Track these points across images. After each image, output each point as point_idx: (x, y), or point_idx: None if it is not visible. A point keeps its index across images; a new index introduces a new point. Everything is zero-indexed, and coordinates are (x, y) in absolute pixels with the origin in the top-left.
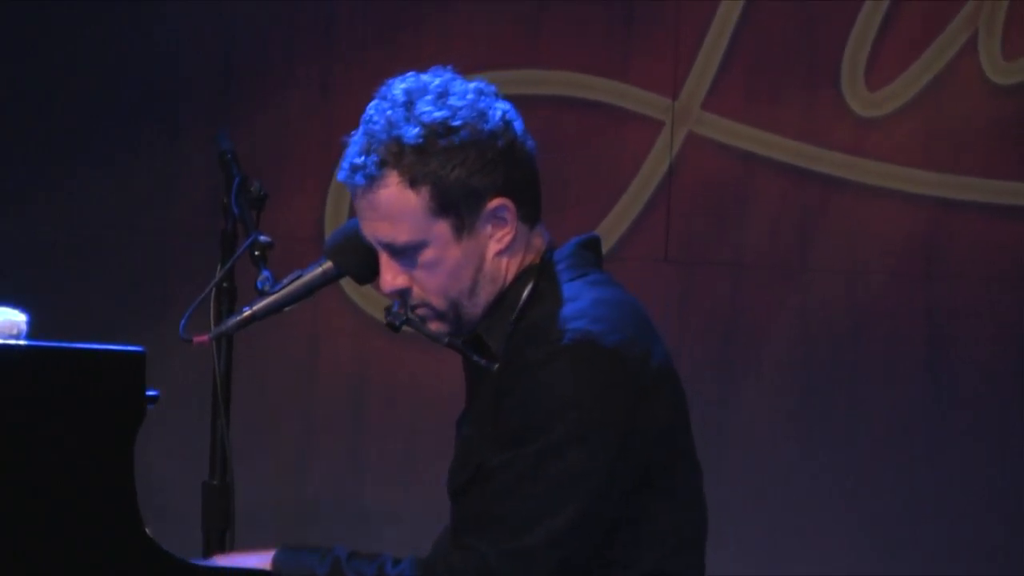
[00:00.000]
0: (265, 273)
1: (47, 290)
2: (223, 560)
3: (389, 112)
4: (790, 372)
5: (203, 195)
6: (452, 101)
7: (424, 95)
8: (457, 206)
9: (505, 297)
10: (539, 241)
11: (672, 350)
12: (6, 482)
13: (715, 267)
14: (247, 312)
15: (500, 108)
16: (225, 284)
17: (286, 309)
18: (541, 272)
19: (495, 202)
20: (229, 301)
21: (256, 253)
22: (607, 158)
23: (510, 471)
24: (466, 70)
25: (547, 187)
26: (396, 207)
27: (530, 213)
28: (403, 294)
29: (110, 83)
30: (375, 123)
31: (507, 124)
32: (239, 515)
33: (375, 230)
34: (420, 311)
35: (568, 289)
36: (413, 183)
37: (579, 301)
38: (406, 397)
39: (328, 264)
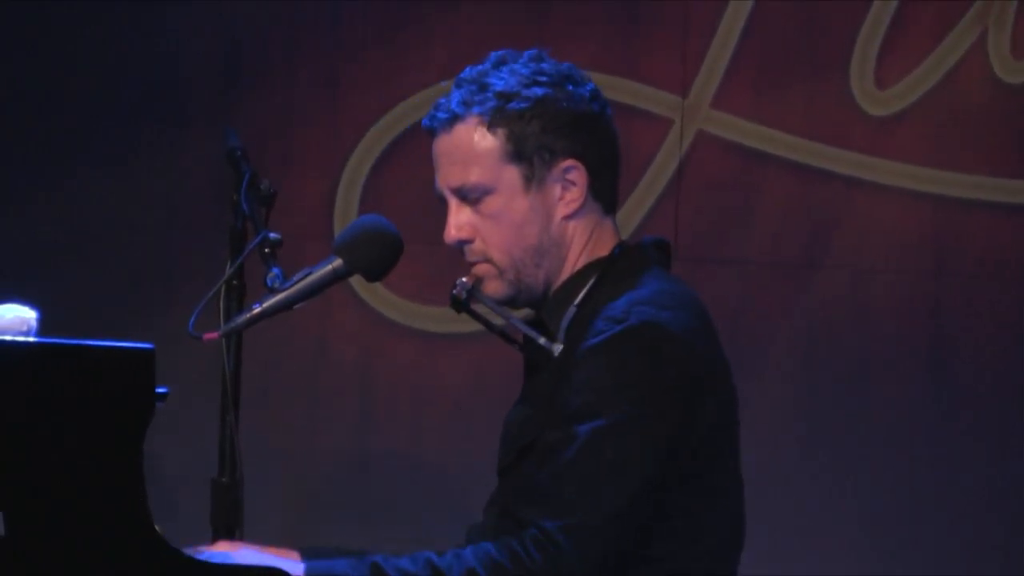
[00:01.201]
0: (274, 270)
1: (55, 288)
2: (237, 552)
3: (481, 67)
4: (796, 369)
5: (210, 192)
6: (544, 64)
7: (517, 59)
8: (530, 156)
9: (571, 284)
10: (611, 234)
11: None
12: (16, 478)
13: (723, 264)
14: (256, 309)
15: (591, 84)
16: (234, 281)
17: (295, 306)
18: (610, 263)
19: (567, 162)
20: (238, 298)
21: (265, 250)
22: None
23: (571, 448)
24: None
25: None
26: (470, 148)
27: (603, 192)
28: (464, 246)
29: (114, 81)
30: (466, 74)
31: (595, 97)
32: (248, 512)
33: (446, 175)
34: (480, 268)
35: (636, 279)
36: (491, 126)
37: (646, 289)
38: (414, 395)
39: (338, 262)
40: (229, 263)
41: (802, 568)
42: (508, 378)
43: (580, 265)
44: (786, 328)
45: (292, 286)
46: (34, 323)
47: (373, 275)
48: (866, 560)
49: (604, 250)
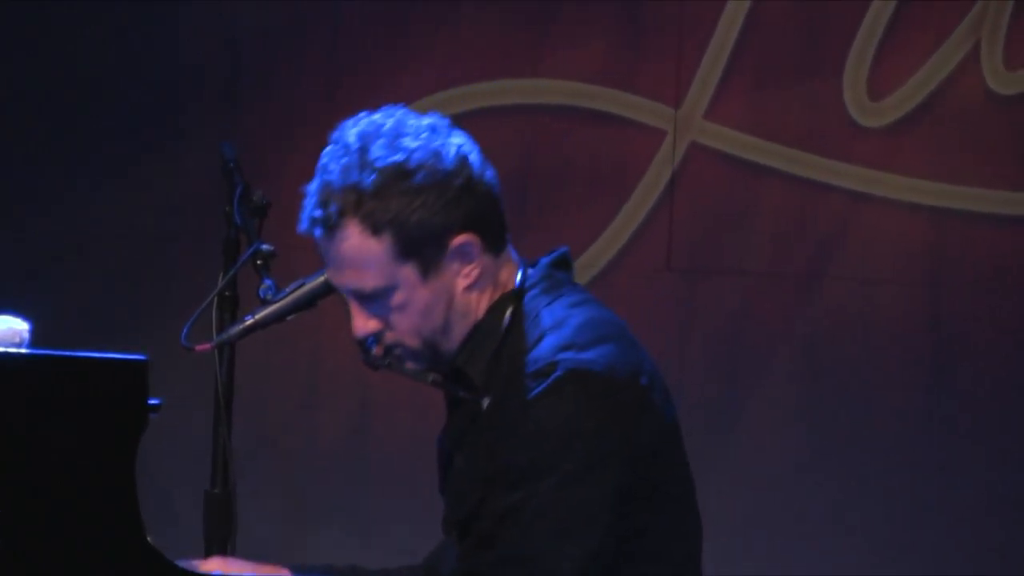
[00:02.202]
0: (267, 282)
1: (49, 298)
2: (229, 565)
3: (344, 159)
4: (793, 381)
5: (205, 202)
6: (406, 143)
7: (377, 138)
8: (421, 248)
9: (481, 328)
10: (510, 268)
11: (674, 359)
12: (9, 490)
13: (717, 276)
14: (249, 320)
15: (455, 144)
16: (227, 292)
17: (288, 318)
18: (518, 297)
19: (459, 239)
20: (231, 309)
21: (258, 262)
22: (609, 167)
23: (526, 510)
24: (470, 80)
25: (550, 195)
26: (360, 255)
27: (495, 244)
28: (377, 337)
29: (113, 87)
30: (331, 172)
31: (463, 160)
32: (241, 524)
33: (341, 279)
34: (395, 352)
35: (548, 315)
36: (375, 230)
37: (563, 328)
38: (408, 406)
39: None
40: (222, 274)
41: (803, 570)
42: None
43: (483, 310)
44: (783, 340)
45: (285, 297)
46: (26, 335)
47: None
48: (868, 566)
49: (508, 284)
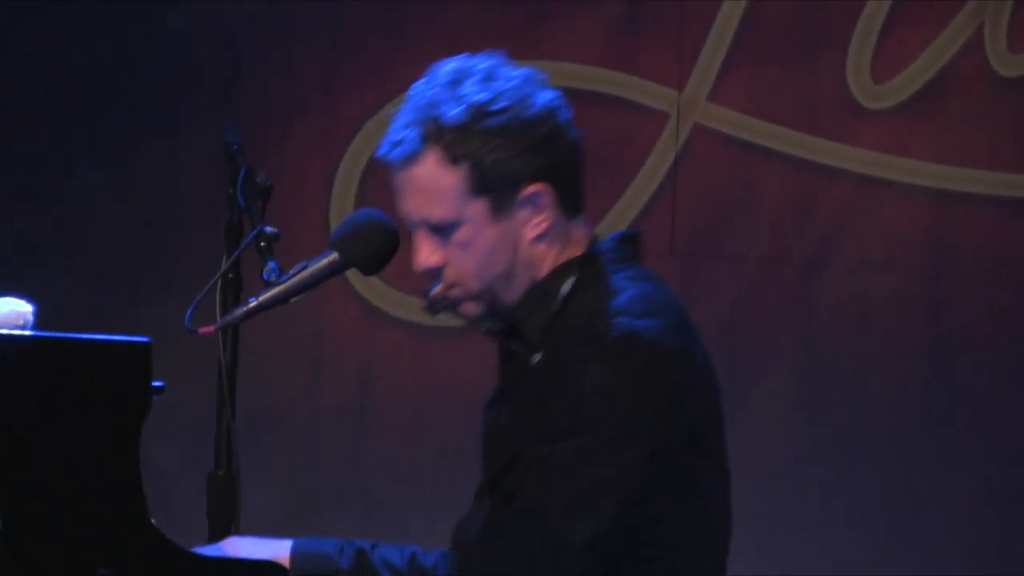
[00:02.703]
0: (271, 264)
1: (52, 282)
2: (232, 546)
3: (434, 90)
4: (794, 364)
5: (207, 186)
6: (497, 84)
7: (470, 76)
8: (494, 187)
9: (545, 287)
10: (580, 233)
11: None
12: (13, 473)
13: (720, 260)
14: (253, 303)
15: (546, 95)
16: (231, 275)
17: (292, 300)
18: (584, 264)
19: (533, 187)
20: (235, 292)
21: (262, 244)
22: (612, 150)
23: (554, 465)
24: None
25: None
26: (434, 183)
27: (570, 203)
28: (436, 273)
29: (112, 77)
30: (419, 100)
31: (551, 111)
32: (244, 506)
33: (411, 207)
34: (454, 292)
35: (611, 282)
36: (453, 160)
37: (623, 295)
38: (411, 389)
39: (334, 255)
40: (225, 257)
41: (802, 563)
42: None
43: (549, 269)
44: (784, 323)
45: (288, 280)
46: (30, 316)
47: (369, 268)
48: (866, 558)
49: (576, 250)
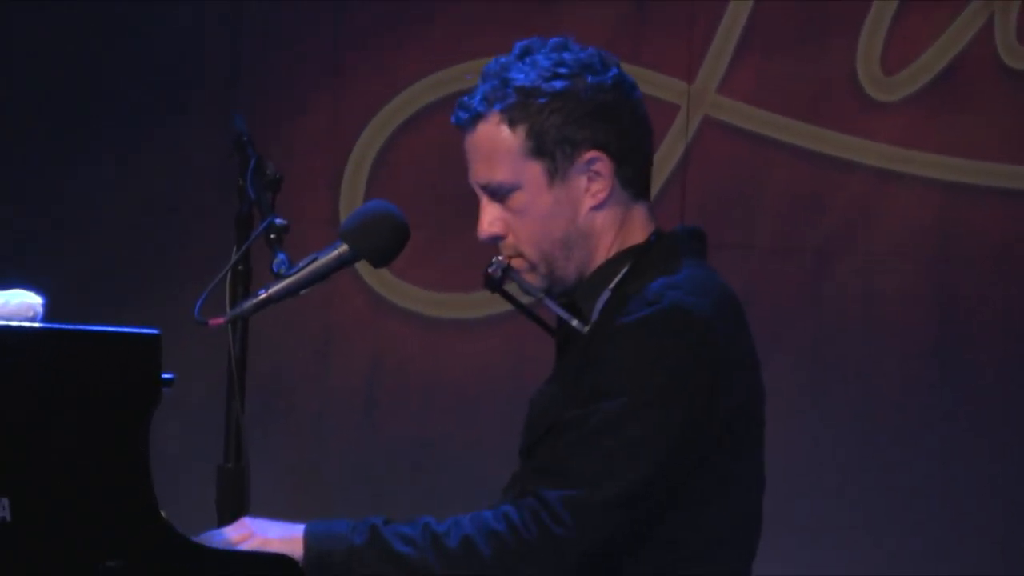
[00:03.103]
0: (281, 256)
1: (61, 273)
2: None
3: (505, 59)
4: (802, 355)
5: (217, 177)
6: (566, 54)
7: (540, 48)
8: (552, 151)
9: (604, 272)
10: (643, 221)
11: None
12: (22, 464)
13: (730, 250)
14: (263, 295)
15: (615, 69)
16: (241, 267)
17: (302, 292)
18: (645, 251)
19: (590, 154)
20: (245, 284)
21: (272, 236)
22: None
23: (586, 425)
24: (478, 55)
25: None
26: (493, 144)
27: (632, 180)
28: (497, 241)
29: (120, 67)
30: (490, 67)
31: (617, 84)
32: (253, 498)
33: (474, 172)
34: (514, 262)
35: (668, 265)
36: (512, 122)
37: (680, 275)
38: (420, 381)
39: (344, 247)
40: (235, 249)
41: (806, 560)
42: (516, 366)
43: (613, 252)
44: (792, 314)
45: (298, 272)
46: (40, 309)
47: (379, 261)
48: (870, 552)
49: (638, 237)
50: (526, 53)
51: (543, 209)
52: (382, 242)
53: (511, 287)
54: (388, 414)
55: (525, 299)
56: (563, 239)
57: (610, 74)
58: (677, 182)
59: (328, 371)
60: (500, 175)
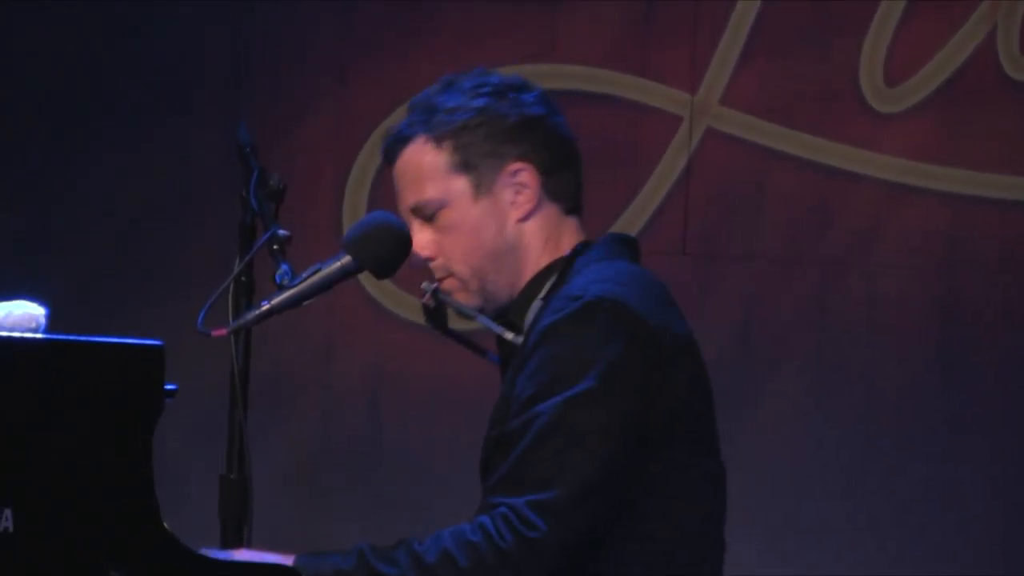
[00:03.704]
0: (283, 267)
1: (64, 283)
2: (239, 554)
3: (429, 90)
4: (806, 366)
5: (220, 187)
6: (489, 77)
7: (468, 76)
8: (477, 164)
9: (535, 282)
10: (572, 233)
11: None
12: (25, 475)
13: (733, 261)
14: (265, 306)
15: (538, 91)
16: (243, 277)
17: (304, 303)
18: (571, 259)
19: (515, 165)
20: (247, 294)
21: (275, 247)
22: (626, 153)
23: (535, 425)
24: (484, 64)
25: None
26: (420, 165)
27: (560, 194)
28: (429, 264)
29: (124, 76)
30: (416, 99)
31: (540, 102)
32: (256, 508)
33: (403, 198)
34: (447, 283)
35: (595, 267)
36: (437, 141)
37: (605, 271)
38: (423, 392)
39: (347, 258)
40: (238, 259)
41: (811, 563)
42: None
43: (542, 265)
44: (795, 325)
45: (301, 282)
46: (43, 319)
47: (382, 272)
48: (874, 555)
49: (566, 249)
50: (450, 83)
51: (471, 223)
52: (385, 253)
53: (449, 313)
54: (390, 423)
55: (460, 324)
56: (492, 252)
57: (533, 93)
58: (680, 194)
59: (330, 380)
60: (428, 193)
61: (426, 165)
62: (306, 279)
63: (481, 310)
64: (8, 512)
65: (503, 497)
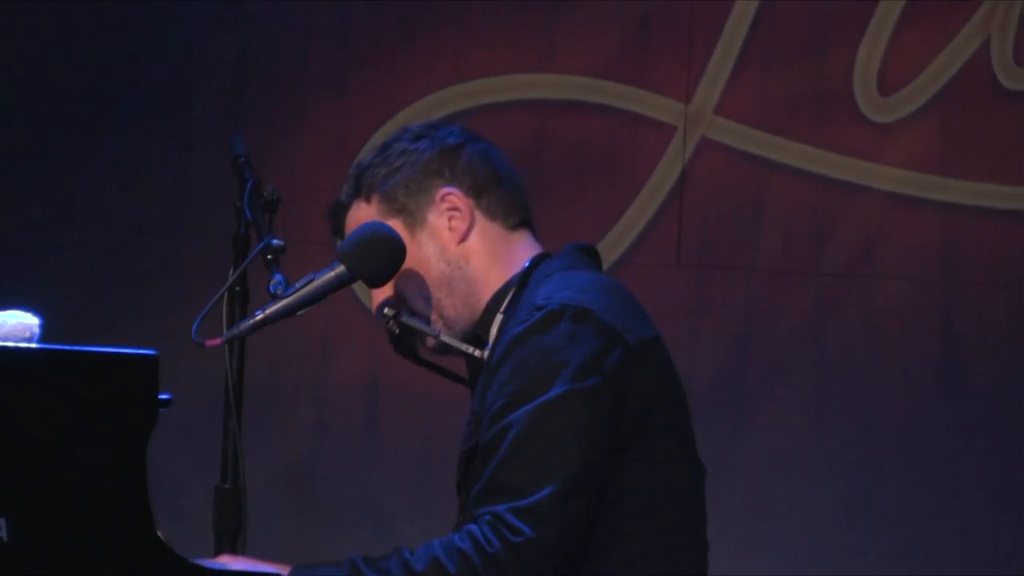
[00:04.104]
0: (278, 277)
1: (59, 293)
2: (234, 563)
3: (363, 154)
4: (802, 377)
5: (215, 198)
6: (411, 127)
7: (394, 133)
8: (405, 203)
9: (495, 299)
10: (525, 247)
11: (684, 354)
12: (19, 484)
13: (728, 272)
14: (260, 316)
15: (454, 126)
16: (238, 288)
17: (299, 313)
18: (530, 271)
19: (441, 192)
20: (242, 304)
21: (269, 257)
22: (620, 162)
23: (510, 434)
24: (480, 74)
25: (560, 191)
26: (357, 223)
27: (496, 210)
28: (388, 303)
29: (122, 84)
30: (352, 167)
31: (462, 133)
32: (251, 518)
33: None
34: (404, 318)
35: (558, 276)
36: (367, 197)
37: (568, 279)
38: (418, 402)
39: (341, 268)
40: (232, 269)
41: (812, 569)
42: None
43: (497, 283)
44: (791, 334)
45: (295, 292)
46: (37, 329)
47: (376, 281)
48: (872, 560)
49: (522, 263)
50: (377, 146)
51: (414, 258)
52: (379, 263)
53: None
54: (385, 432)
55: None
56: (440, 279)
57: (450, 128)
58: (674, 202)
59: (325, 392)
60: None
61: (362, 221)
62: (300, 289)
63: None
64: (3, 521)
65: (486, 506)
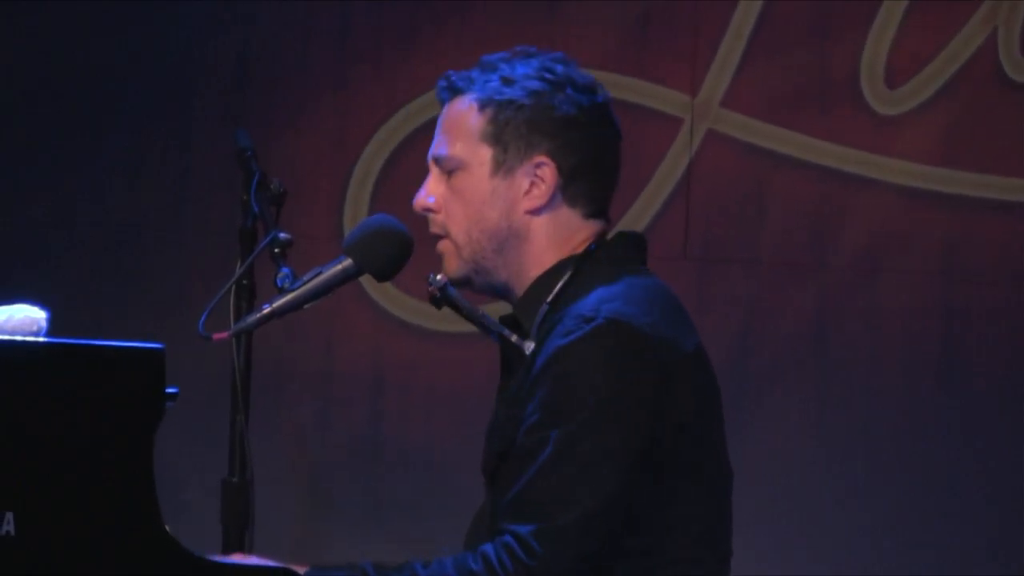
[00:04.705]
0: (284, 270)
1: (65, 288)
2: (247, 560)
3: (503, 54)
4: (807, 369)
5: (221, 192)
6: (559, 66)
7: (538, 56)
8: (506, 143)
9: (543, 282)
10: (589, 234)
11: None
12: (26, 478)
13: (734, 264)
14: (267, 309)
15: (601, 99)
16: (244, 281)
17: (305, 306)
18: (582, 259)
19: (539, 159)
20: (248, 298)
21: (276, 250)
22: (626, 156)
23: (543, 452)
24: None
25: None
26: (458, 120)
27: (577, 198)
28: (428, 214)
29: (124, 81)
30: (488, 57)
31: (594, 109)
32: (258, 512)
33: (435, 144)
34: (441, 244)
35: (604, 275)
36: (482, 106)
37: (614, 285)
38: (423, 395)
39: (347, 261)
40: (239, 263)
41: (812, 568)
42: None
43: (550, 263)
44: (796, 328)
45: (302, 286)
46: (44, 323)
47: (383, 275)
48: (872, 559)
49: (579, 249)
50: (524, 54)
51: (480, 195)
52: (386, 256)
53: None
54: (391, 425)
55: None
56: (493, 231)
57: (594, 98)
58: (680, 195)
59: (332, 385)
60: (453, 149)
61: (463, 123)
62: (307, 282)
63: (469, 281)
64: (10, 515)
65: (511, 524)
